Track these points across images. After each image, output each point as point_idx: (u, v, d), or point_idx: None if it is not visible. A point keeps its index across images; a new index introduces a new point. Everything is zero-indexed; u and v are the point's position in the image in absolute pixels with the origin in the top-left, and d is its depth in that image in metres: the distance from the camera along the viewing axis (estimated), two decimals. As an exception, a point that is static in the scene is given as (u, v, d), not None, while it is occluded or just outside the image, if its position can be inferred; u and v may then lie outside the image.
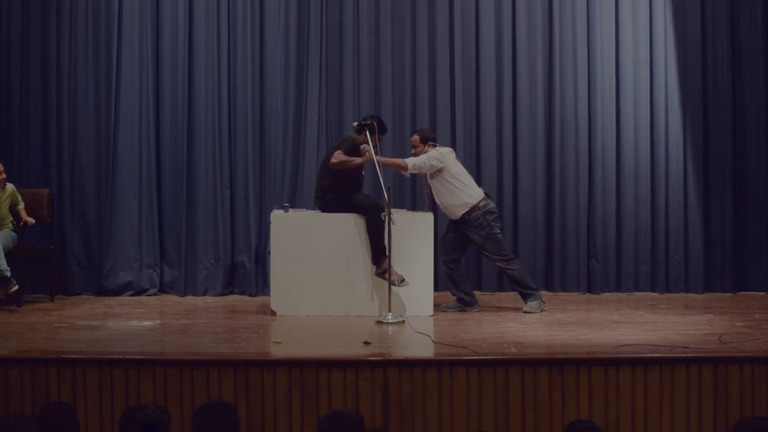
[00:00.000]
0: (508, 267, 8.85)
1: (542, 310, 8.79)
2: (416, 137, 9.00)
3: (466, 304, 8.85)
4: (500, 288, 9.72)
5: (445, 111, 10.18)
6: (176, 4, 10.00)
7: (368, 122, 8.75)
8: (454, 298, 8.93)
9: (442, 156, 8.80)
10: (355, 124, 8.90)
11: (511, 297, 9.09)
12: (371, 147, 8.65)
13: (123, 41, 9.98)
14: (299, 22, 10.10)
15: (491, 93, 10.21)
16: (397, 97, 10.20)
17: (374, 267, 8.56)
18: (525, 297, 8.85)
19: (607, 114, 10.20)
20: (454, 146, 9.93)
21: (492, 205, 8.88)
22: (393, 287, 8.42)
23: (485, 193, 8.94)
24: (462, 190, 8.80)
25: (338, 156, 8.67)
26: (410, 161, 8.83)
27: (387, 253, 8.40)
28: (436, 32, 10.17)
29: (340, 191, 8.72)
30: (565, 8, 10.19)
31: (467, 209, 8.80)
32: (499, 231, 8.87)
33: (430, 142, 8.96)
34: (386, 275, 8.37)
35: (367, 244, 8.61)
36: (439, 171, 8.80)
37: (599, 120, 10.19)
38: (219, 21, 10.02)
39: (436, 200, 8.93)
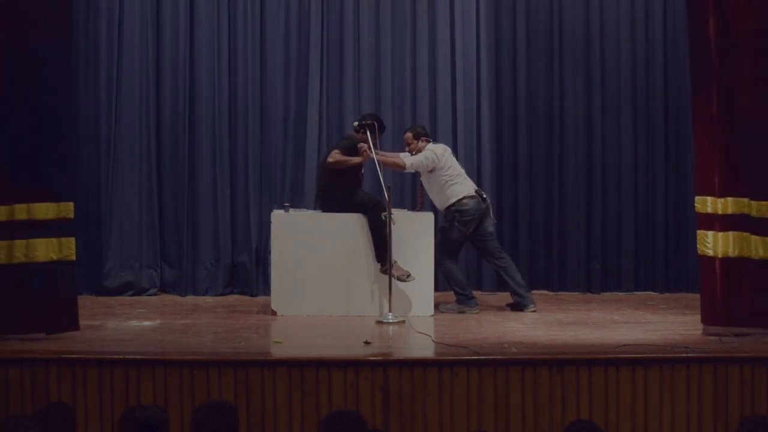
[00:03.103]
0: (439, 265, 8.92)
1: (461, 312, 8.79)
2: (409, 134, 9.09)
3: (517, 306, 8.96)
4: (501, 288, 9.71)
5: (446, 111, 10.17)
6: (177, 5, 9.99)
7: (368, 122, 8.77)
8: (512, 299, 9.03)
9: (437, 156, 8.86)
10: (356, 123, 8.92)
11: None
12: (371, 146, 8.68)
13: (123, 41, 9.96)
14: (299, 22, 10.10)
15: (491, 93, 10.21)
16: (397, 97, 10.20)
17: (378, 264, 8.56)
18: (456, 296, 8.91)
19: (607, 112, 10.20)
20: (454, 146, 9.93)
21: (470, 206, 8.87)
22: (401, 282, 8.45)
23: (477, 191, 8.97)
24: (447, 189, 8.89)
25: (335, 155, 8.71)
26: (408, 161, 8.88)
27: (390, 251, 8.40)
28: (437, 32, 10.16)
29: (339, 190, 8.73)
30: (566, 7, 10.18)
31: (447, 205, 8.90)
32: (459, 234, 8.89)
33: (423, 138, 9.04)
34: (391, 272, 8.38)
35: (368, 244, 8.62)
36: (432, 170, 8.86)
37: (599, 118, 10.19)
38: (219, 21, 10.01)
39: (429, 195, 9.09)
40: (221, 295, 9.90)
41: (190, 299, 9.75)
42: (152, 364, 6.57)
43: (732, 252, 7.46)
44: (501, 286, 9.57)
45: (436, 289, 8.99)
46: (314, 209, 9.07)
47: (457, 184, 8.91)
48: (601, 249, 10.20)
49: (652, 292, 10.11)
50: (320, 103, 10.08)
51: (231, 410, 4.68)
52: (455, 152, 9.76)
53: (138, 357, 6.67)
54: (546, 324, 8.28)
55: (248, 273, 9.94)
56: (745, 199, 7.45)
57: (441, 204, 8.97)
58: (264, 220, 9.76)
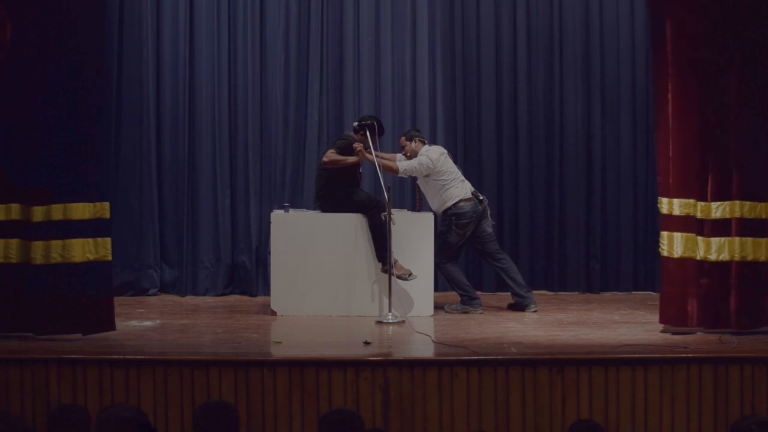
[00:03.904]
0: (439, 268, 8.97)
1: (465, 312, 8.81)
2: (403, 138, 9.15)
3: (518, 306, 8.99)
4: (500, 288, 9.72)
5: (446, 111, 10.17)
6: (177, 5, 9.99)
7: (368, 122, 8.78)
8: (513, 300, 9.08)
9: (432, 161, 8.85)
10: (355, 123, 8.92)
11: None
12: (370, 146, 8.69)
13: (124, 41, 9.96)
14: (299, 22, 10.10)
15: (491, 93, 10.21)
16: (397, 97, 10.20)
17: (380, 264, 8.57)
18: (460, 297, 8.93)
19: (607, 113, 10.20)
20: (454, 146, 9.94)
21: (467, 209, 8.88)
22: (402, 281, 8.46)
23: (473, 193, 8.97)
24: (444, 192, 8.90)
25: (329, 155, 8.72)
26: (402, 166, 8.89)
27: (390, 250, 8.41)
28: (436, 32, 10.16)
29: (338, 190, 8.75)
30: (566, 8, 10.18)
31: (444, 209, 8.92)
32: (457, 238, 8.91)
33: (416, 139, 9.06)
34: (392, 271, 8.38)
35: (368, 244, 8.62)
36: (427, 175, 8.88)
37: (598, 119, 10.19)
38: (219, 21, 10.01)
39: (426, 198, 9.10)
40: (221, 295, 9.90)
41: (190, 299, 9.75)
42: (152, 364, 6.58)
43: (677, 252, 7.65)
44: (501, 286, 9.59)
45: (436, 289, 9.01)
46: (314, 209, 9.07)
47: (453, 187, 8.92)
48: (601, 249, 10.20)
49: (652, 292, 10.10)
50: (320, 103, 10.08)
51: (231, 410, 4.68)
52: (455, 152, 9.79)
53: (138, 357, 6.67)
54: (546, 324, 8.29)
55: (248, 273, 9.94)
56: (692, 200, 7.62)
57: (438, 207, 8.98)
58: (264, 220, 9.77)
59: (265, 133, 10.09)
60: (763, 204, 7.61)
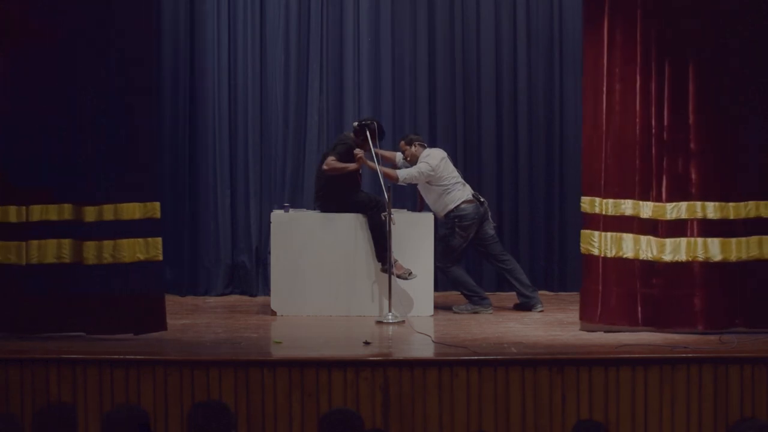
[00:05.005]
0: (444, 273, 8.98)
1: (475, 312, 8.79)
2: (402, 143, 9.14)
3: (524, 306, 8.97)
4: (500, 288, 9.72)
5: (445, 111, 10.17)
6: (177, 5, 9.99)
7: (368, 122, 8.78)
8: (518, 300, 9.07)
9: (432, 168, 8.83)
10: (356, 123, 8.92)
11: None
12: (370, 147, 8.69)
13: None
14: (299, 22, 10.10)
15: (491, 93, 10.20)
16: (397, 98, 10.19)
17: (379, 264, 8.57)
18: (467, 298, 8.91)
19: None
20: (454, 147, 9.93)
21: (469, 211, 8.88)
22: (402, 281, 8.47)
23: (474, 196, 8.97)
24: (446, 195, 8.90)
25: (330, 162, 8.71)
26: (401, 174, 8.86)
27: (390, 250, 8.41)
28: (436, 32, 10.16)
29: (338, 191, 8.75)
30: (566, 7, 10.18)
31: (447, 212, 8.90)
32: (461, 240, 8.90)
33: (416, 143, 9.05)
34: (392, 271, 8.39)
35: (368, 244, 8.63)
36: (428, 181, 8.89)
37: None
38: (219, 21, 10.01)
39: (426, 202, 9.10)
40: (221, 295, 9.90)
41: (190, 299, 9.75)
42: (152, 364, 6.58)
43: (612, 252, 7.69)
44: (501, 286, 9.59)
45: (436, 289, 9.00)
46: (314, 209, 9.07)
47: (454, 191, 8.91)
48: (601, 249, 10.19)
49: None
50: (320, 103, 10.08)
51: (226, 411, 4.67)
52: (454, 153, 9.78)
53: (138, 357, 6.67)
54: (546, 324, 8.29)
55: (248, 273, 9.94)
56: (633, 201, 7.64)
57: (439, 211, 8.96)
58: (264, 220, 9.77)
59: (265, 133, 10.09)
60: (731, 204, 7.56)
